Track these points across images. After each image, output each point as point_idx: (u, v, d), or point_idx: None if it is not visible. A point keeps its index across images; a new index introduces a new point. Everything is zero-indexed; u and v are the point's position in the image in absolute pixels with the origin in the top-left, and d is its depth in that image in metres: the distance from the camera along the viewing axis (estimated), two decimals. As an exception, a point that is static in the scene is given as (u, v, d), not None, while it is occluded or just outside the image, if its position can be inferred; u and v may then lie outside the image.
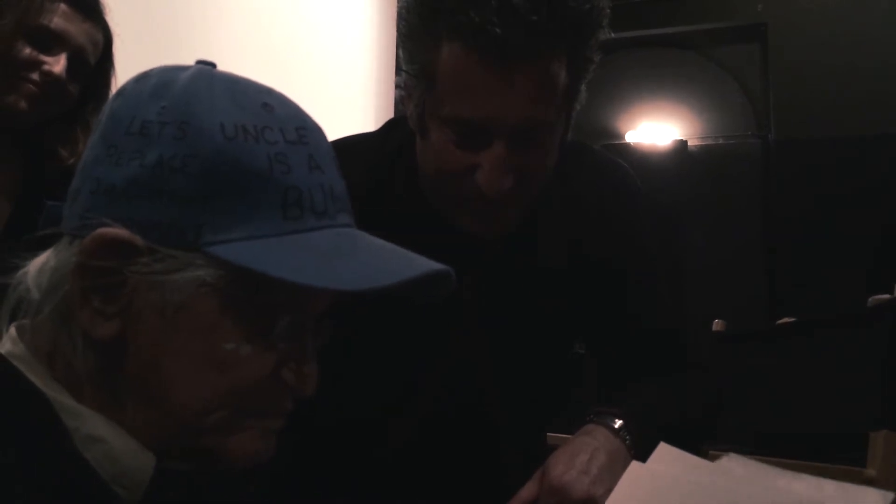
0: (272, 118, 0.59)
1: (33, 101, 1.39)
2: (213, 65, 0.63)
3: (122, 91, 0.61)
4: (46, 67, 1.38)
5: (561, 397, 1.19)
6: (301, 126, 0.60)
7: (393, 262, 0.60)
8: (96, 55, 1.47)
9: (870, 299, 2.22)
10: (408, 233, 0.99)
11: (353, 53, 3.65)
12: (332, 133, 1.15)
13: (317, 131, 0.62)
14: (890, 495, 0.66)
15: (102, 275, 0.55)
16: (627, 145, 6.36)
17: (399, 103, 1.02)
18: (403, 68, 0.95)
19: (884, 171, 5.49)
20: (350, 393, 1.06)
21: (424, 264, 0.60)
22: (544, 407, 1.17)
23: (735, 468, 0.77)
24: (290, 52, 3.17)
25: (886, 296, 2.35)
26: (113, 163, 0.57)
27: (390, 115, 3.46)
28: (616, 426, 0.95)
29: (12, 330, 0.60)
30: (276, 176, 0.57)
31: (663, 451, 0.81)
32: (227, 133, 0.56)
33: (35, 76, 1.38)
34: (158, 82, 0.59)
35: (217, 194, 0.56)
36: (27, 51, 1.38)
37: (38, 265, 0.59)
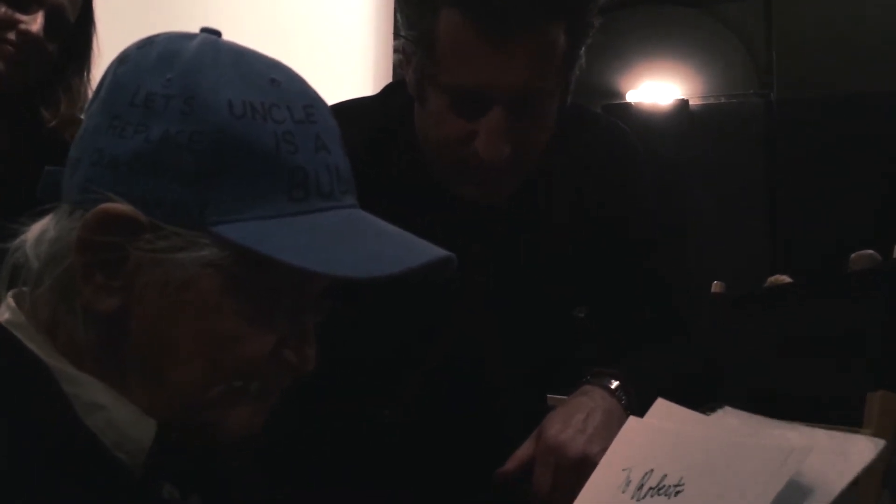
0: (280, 95, 0.58)
1: (10, 62, 1.36)
2: (218, 33, 0.61)
3: (126, 58, 0.59)
4: (23, 27, 1.35)
5: (562, 362, 1.20)
6: (309, 104, 0.59)
7: (397, 249, 0.60)
8: (75, 12, 1.43)
9: (852, 256, 2.23)
10: (408, 201, 0.99)
11: (351, 17, 3.61)
12: (331, 97, 1.14)
13: (324, 109, 0.61)
14: (881, 442, 0.67)
15: (105, 250, 0.55)
16: (628, 105, 6.33)
17: (398, 68, 1.01)
18: (402, 34, 0.94)
19: (887, 128, 5.47)
20: (352, 359, 1.07)
21: (428, 251, 0.60)
22: (546, 372, 1.18)
23: (730, 420, 0.79)
24: (287, 16, 3.13)
25: (868, 251, 2.36)
26: (116, 135, 0.56)
27: (389, 79, 3.44)
28: (612, 387, 0.95)
29: (10, 299, 0.60)
30: (283, 156, 0.56)
31: (660, 405, 0.83)
32: (235, 111, 0.55)
33: (11, 36, 1.35)
34: (164, 51, 0.58)
35: (223, 173, 0.55)
36: (2, 10, 1.34)
37: (37, 233, 0.58)
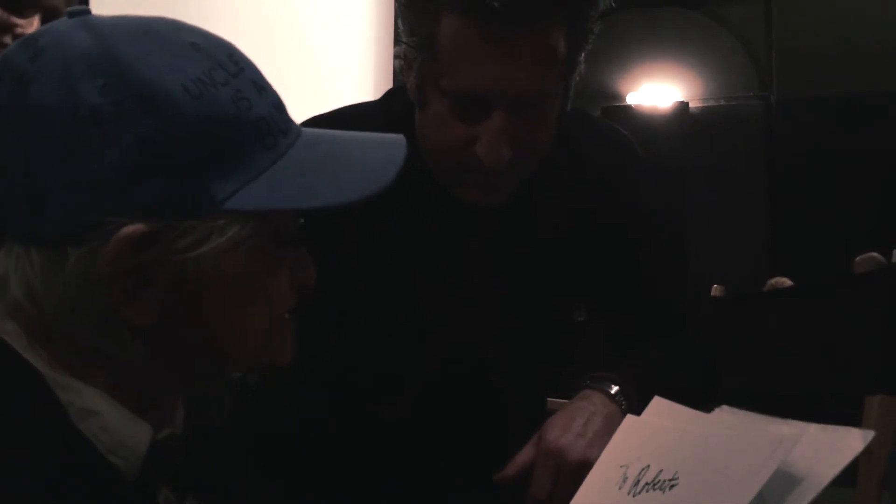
0: (208, 57, 0.58)
1: None
2: (87, 11, 0.59)
3: (24, 75, 0.55)
4: (19, 30, 1.35)
5: (563, 363, 1.21)
6: (229, 53, 0.60)
7: (375, 153, 0.64)
8: None
9: (857, 259, 2.23)
10: (409, 201, 1.00)
11: (352, 22, 3.62)
12: (332, 103, 1.15)
13: (238, 51, 0.62)
14: (870, 434, 0.68)
15: (131, 273, 0.55)
16: (628, 107, 6.33)
17: (399, 73, 1.02)
18: (403, 40, 0.95)
19: (888, 130, 5.47)
20: (351, 359, 1.08)
21: (395, 142, 0.65)
22: (547, 373, 1.18)
23: (726, 417, 0.80)
24: (288, 21, 3.14)
25: (873, 254, 2.36)
26: (78, 157, 0.54)
27: (389, 85, 3.44)
28: (612, 391, 0.96)
29: (2, 307, 0.58)
30: (245, 114, 0.58)
31: (657, 403, 0.84)
32: (193, 93, 0.55)
33: (8, 40, 1.34)
34: (70, 56, 0.55)
35: (209, 154, 0.56)
36: None
37: (22, 284, 0.56)
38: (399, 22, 0.96)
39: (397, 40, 0.99)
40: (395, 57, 1.01)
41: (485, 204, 1.00)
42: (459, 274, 1.05)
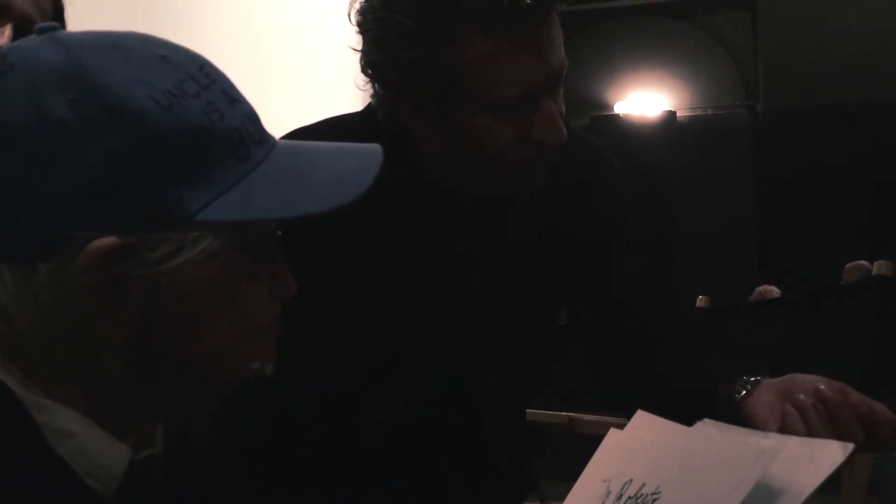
0: (177, 69, 0.58)
1: None
2: (55, 27, 0.59)
3: None
4: None
5: (546, 371, 1.21)
6: (200, 65, 0.60)
7: (350, 163, 0.64)
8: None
9: (846, 267, 2.26)
10: (410, 206, 1.02)
11: (348, 26, 3.63)
12: (322, 114, 1.16)
13: (210, 63, 0.62)
14: (850, 446, 0.69)
15: (106, 287, 0.55)
16: (616, 116, 6.35)
17: (381, 104, 1.02)
18: (392, 72, 0.95)
19: (874, 138, 5.52)
20: (344, 359, 1.08)
21: (371, 152, 0.65)
22: (531, 381, 1.19)
23: (708, 430, 0.80)
24: (276, 33, 3.15)
25: (861, 262, 2.38)
26: (49, 172, 0.54)
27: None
28: None
29: None
30: (217, 126, 0.57)
31: (640, 417, 0.84)
32: (163, 104, 0.55)
33: None
34: (36, 72, 0.55)
35: (180, 166, 0.56)
36: None
37: None
38: (386, 53, 0.95)
39: (377, 79, 0.98)
40: (377, 90, 1.00)
41: (531, 189, 1.01)
42: (459, 275, 1.06)
